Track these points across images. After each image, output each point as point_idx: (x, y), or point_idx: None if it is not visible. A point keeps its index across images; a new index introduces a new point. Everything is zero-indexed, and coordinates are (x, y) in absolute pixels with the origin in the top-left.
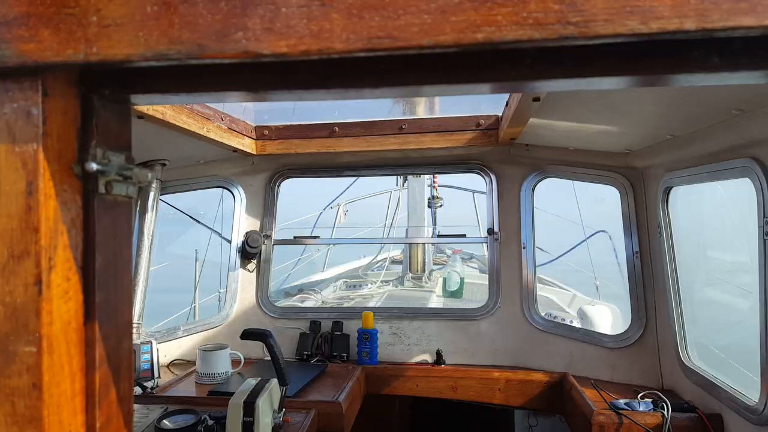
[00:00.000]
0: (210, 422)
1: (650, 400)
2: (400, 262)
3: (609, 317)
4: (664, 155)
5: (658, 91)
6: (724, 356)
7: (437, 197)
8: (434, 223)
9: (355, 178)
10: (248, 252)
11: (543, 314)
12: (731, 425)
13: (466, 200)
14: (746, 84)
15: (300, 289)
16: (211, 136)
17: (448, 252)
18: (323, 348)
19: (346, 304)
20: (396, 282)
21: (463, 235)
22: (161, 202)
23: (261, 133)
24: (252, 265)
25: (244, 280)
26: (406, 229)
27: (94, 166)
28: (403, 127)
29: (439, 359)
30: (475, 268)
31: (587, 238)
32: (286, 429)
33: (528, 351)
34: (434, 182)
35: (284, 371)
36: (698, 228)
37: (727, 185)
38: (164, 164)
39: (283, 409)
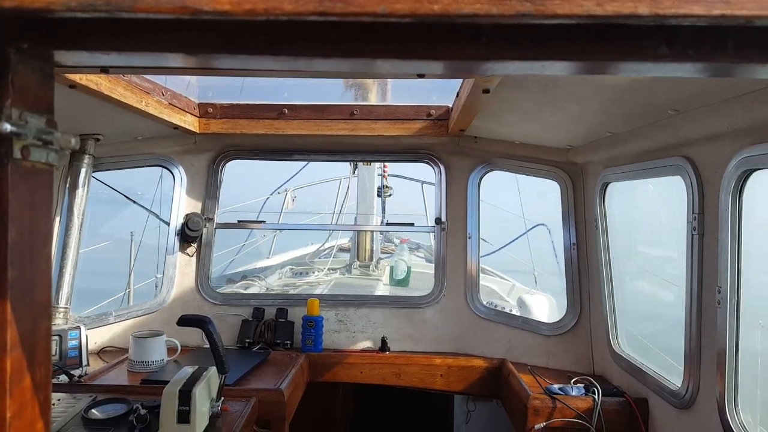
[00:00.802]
0: (143, 411)
1: (582, 385)
2: (348, 250)
3: (546, 306)
4: (603, 152)
5: (602, 88)
6: (650, 345)
7: (387, 186)
8: (383, 212)
9: (304, 164)
10: (188, 235)
11: (485, 303)
12: (656, 409)
13: (415, 191)
14: (684, 82)
15: (244, 276)
16: (150, 111)
17: (396, 241)
18: (266, 335)
19: (291, 292)
20: (343, 270)
21: (412, 224)
22: (94, 179)
23: (205, 111)
24: (192, 249)
25: (183, 265)
26: (355, 217)
27: (7, 127)
28: (355, 112)
29: (383, 346)
30: (422, 258)
31: (527, 231)
32: (225, 418)
33: (470, 338)
34: (384, 171)
35: (223, 359)
36: (630, 223)
37: (658, 183)
38: (98, 139)
39: (222, 398)
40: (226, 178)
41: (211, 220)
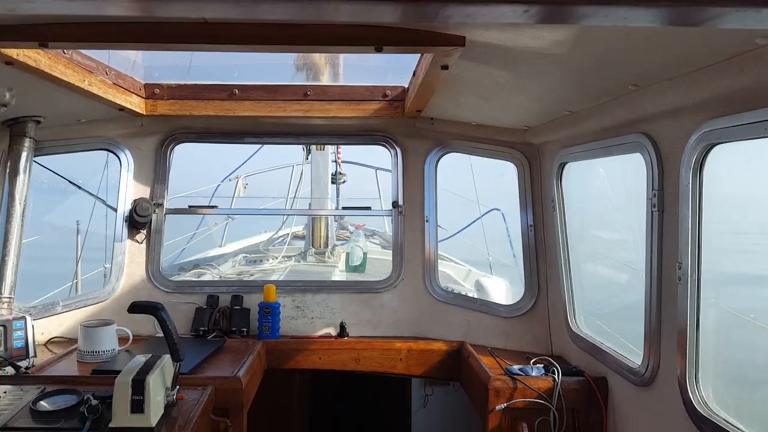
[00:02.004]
0: (94, 402)
1: (542, 365)
2: (302, 238)
3: (503, 289)
4: (561, 131)
5: (565, 62)
6: (604, 325)
7: (341, 173)
8: (337, 198)
9: (255, 149)
10: (137, 221)
11: (443, 287)
12: (615, 387)
13: (369, 177)
14: (645, 55)
15: (196, 265)
16: (94, 90)
17: (351, 228)
18: (221, 323)
19: (246, 279)
20: (298, 257)
21: (368, 208)
22: (36, 164)
23: (151, 92)
24: (141, 236)
25: (133, 253)
26: (309, 203)
27: None
28: (308, 93)
29: (342, 332)
30: (377, 244)
31: (482, 215)
32: (181, 407)
33: (428, 321)
34: (338, 158)
35: (178, 346)
36: (587, 204)
37: (612, 164)
38: (38, 121)
39: (177, 387)
40: (175, 163)
41: (160, 205)
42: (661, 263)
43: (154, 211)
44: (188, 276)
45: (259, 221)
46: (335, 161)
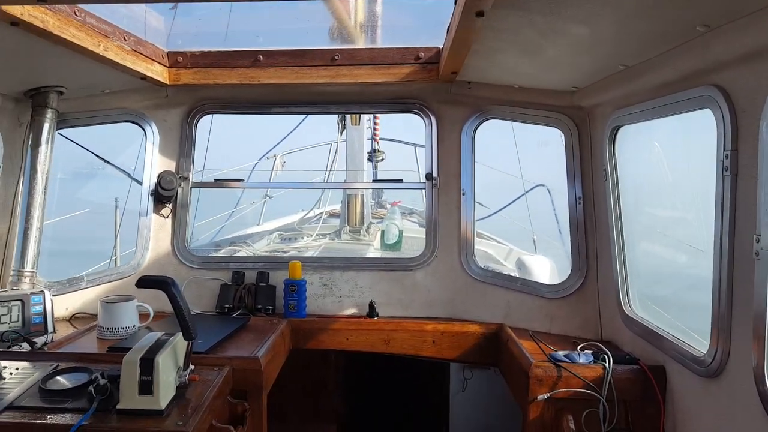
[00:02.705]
0: (102, 381)
1: (590, 351)
2: (337, 216)
3: (547, 268)
4: (614, 90)
5: (615, 4)
6: (660, 309)
7: (378, 151)
8: (375, 177)
9: (293, 127)
10: (162, 195)
11: (481, 265)
12: (675, 377)
13: (409, 156)
14: None
15: (232, 242)
16: (110, 56)
17: (388, 206)
18: (246, 300)
19: (273, 256)
20: (333, 235)
21: (400, 180)
22: (59, 137)
23: (174, 60)
24: (167, 210)
25: (158, 228)
26: (345, 181)
27: None
28: (336, 57)
29: (371, 311)
30: (415, 223)
31: (526, 192)
32: (194, 388)
33: (464, 302)
34: (375, 134)
35: (189, 323)
36: (643, 172)
37: (675, 124)
38: (61, 92)
39: (191, 367)
40: (213, 140)
41: (185, 179)
42: (734, 236)
43: (180, 184)
44: (222, 253)
45: (297, 200)
46: (372, 138)
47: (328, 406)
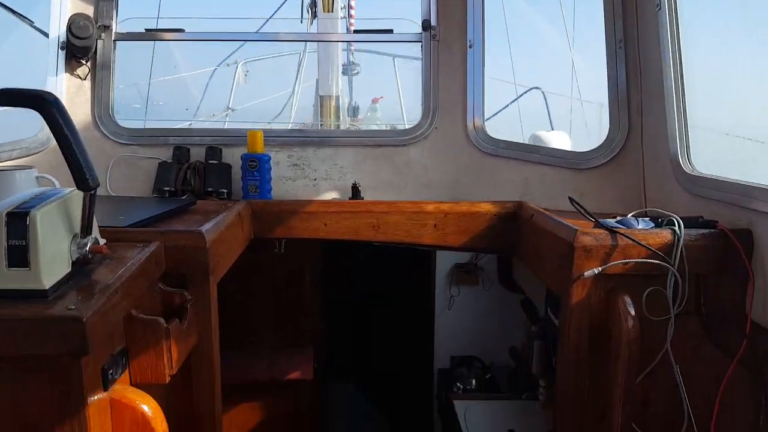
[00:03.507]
0: None
1: (647, 218)
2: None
3: (568, 142)
4: None
5: None
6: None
7: (354, 63)
8: (350, 93)
9: (254, 29)
10: (75, 46)
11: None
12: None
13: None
14: None
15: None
16: None
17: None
18: (193, 183)
19: (226, 129)
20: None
21: (390, 31)
22: None
23: None
24: (83, 70)
25: (74, 92)
26: (317, 80)
27: None
28: None
29: (355, 195)
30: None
31: (520, 96)
32: (104, 267)
33: (471, 182)
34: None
35: (84, 165)
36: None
37: None
38: None
39: (95, 236)
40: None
41: (107, 28)
42: None
43: (99, 36)
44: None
45: (265, 113)
46: (347, 50)
47: (296, 307)
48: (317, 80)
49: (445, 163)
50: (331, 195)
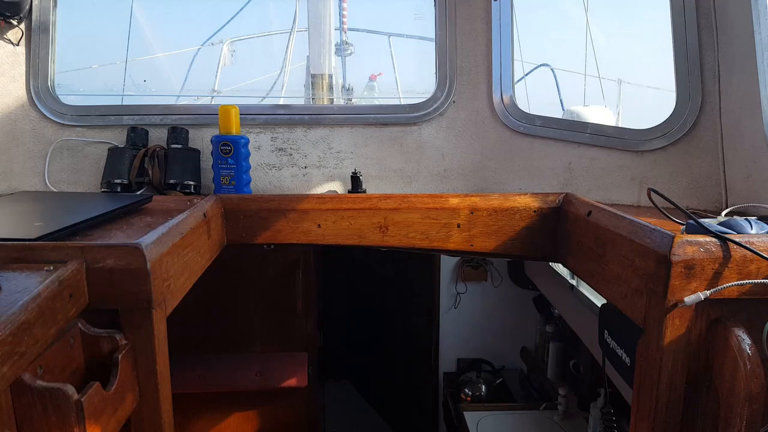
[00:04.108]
0: None
1: (753, 218)
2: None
3: (612, 119)
4: None
5: None
6: None
7: (347, 43)
8: (344, 74)
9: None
10: (2, 2)
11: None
12: None
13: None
14: None
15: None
16: None
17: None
18: (151, 173)
19: (193, 105)
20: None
21: None
22: None
23: None
24: (16, 33)
25: (5, 61)
26: (307, 57)
27: None
28: None
29: (355, 187)
30: None
31: (527, 73)
32: None
33: (499, 168)
34: (344, 23)
35: None
36: None
37: None
38: None
39: None
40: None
41: None
42: None
43: None
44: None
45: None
46: (340, 29)
47: (290, 311)
48: (308, 57)
49: (466, 146)
50: (325, 187)
